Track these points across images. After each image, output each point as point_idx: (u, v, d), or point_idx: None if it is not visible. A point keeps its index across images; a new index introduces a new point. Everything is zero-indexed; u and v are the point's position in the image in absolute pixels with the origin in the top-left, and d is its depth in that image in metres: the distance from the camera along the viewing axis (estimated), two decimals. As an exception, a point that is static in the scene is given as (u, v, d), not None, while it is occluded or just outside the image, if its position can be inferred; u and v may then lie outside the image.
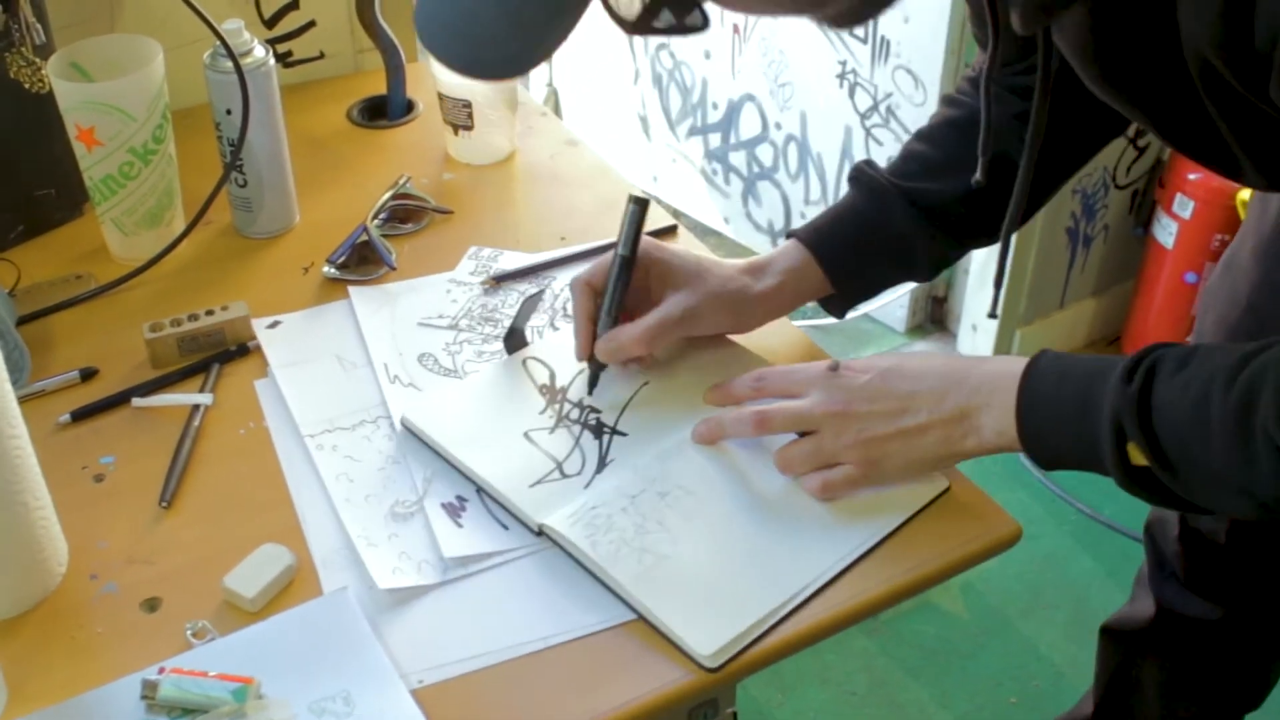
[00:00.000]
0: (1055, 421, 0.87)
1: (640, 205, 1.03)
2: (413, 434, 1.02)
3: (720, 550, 0.92)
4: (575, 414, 1.03)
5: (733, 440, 0.99)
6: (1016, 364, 0.90)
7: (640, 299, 1.04)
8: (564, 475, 0.97)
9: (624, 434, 1.01)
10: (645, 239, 1.04)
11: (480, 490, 0.97)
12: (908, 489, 0.96)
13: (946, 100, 1.13)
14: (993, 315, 1.16)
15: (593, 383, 1.03)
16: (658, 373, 1.06)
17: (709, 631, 0.86)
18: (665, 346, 1.06)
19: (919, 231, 1.07)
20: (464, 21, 0.75)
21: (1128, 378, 0.83)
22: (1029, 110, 1.01)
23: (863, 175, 1.09)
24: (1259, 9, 0.69)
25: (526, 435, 1.01)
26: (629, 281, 1.02)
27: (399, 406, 1.04)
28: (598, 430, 1.01)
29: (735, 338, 1.10)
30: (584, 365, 1.05)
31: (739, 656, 0.85)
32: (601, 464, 0.98)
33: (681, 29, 0.76)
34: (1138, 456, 0.83)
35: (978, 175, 1.02)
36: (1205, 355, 0.81)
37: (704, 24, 0.77)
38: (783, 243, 1.10)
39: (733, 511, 0.94)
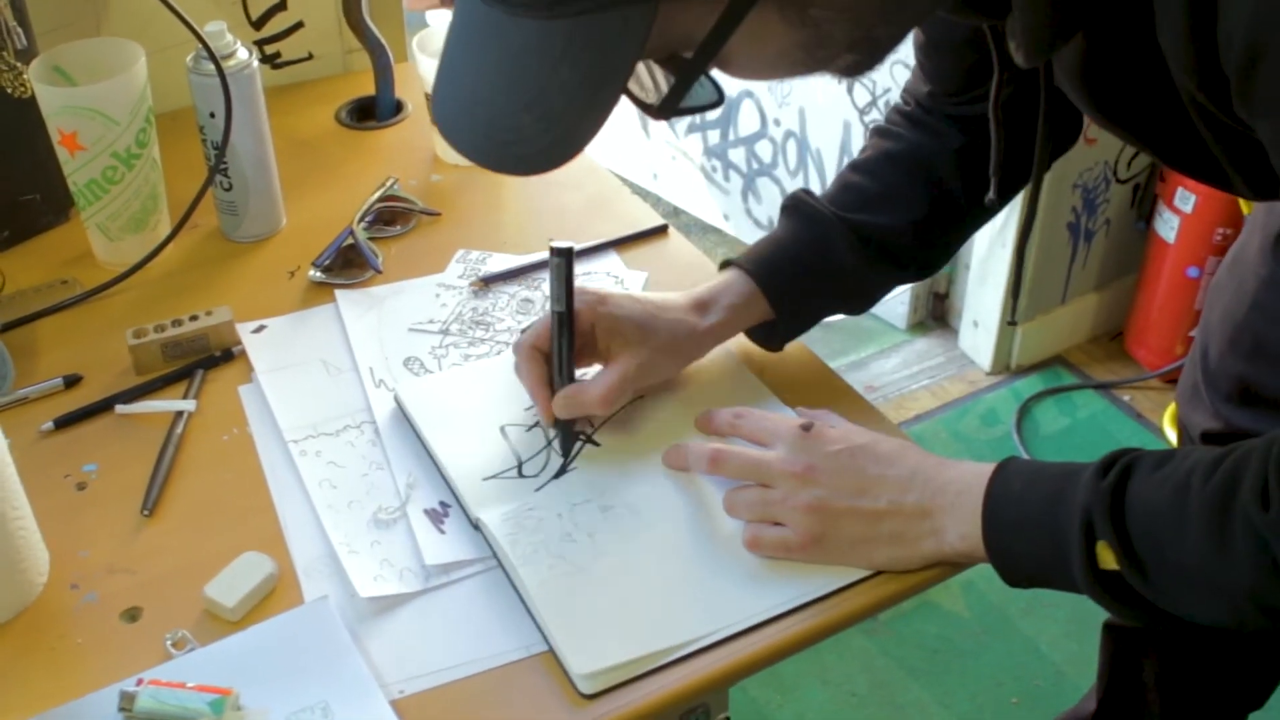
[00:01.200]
0: (1021, 523, 0.84)
1: (564, 256, 0.98)
2: (401, 412, 1.02)
3: (639, 576, 0.89)
4: None
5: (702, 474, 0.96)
6: (988, 467, 0.87)
7: (587, 351, 1.01)
8: (521, 475, 0.96)
9: (598, 444, 0.99)
10: (587, 291, 1.01)
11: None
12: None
13: (879, 132, 1.12)
14: (1011, 322, 1.14)
15: (566, 446, 0.99)
16: (653, 389, 1.04)
17: (592, 652, 0.83)
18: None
19: (862, 263, 1.06)
20: (488, 118, 0.74)
21: (1102, 473, 0.81)
22: (967, 144, 1.04)
23: (803, 205, 1.07)
24: (1220, 30, 0.67)
25: (502, 429, 1.00)
26: (574, 336, 0.99)
27: (384, 411, 1.04)
28: (569, 448, 0.99)
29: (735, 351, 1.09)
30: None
31: (620, 688, 0.82)
32: (563, 470, 0.97)
33: (703, 107, 0.78)
34: (1107, 559, 0.80)
35: (991, 194, 1.01)
36: (1185, 454, 0.80)
37: (720, 98, 0.79)
38: (723, 273, 1.07)
39: (669, 541, 0.91)
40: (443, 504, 0.95)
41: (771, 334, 1.08)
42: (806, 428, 0.93)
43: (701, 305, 1.04)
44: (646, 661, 0.83)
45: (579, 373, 1.00)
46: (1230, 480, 0.76)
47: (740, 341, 1.09)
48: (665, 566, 0.90)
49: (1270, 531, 0.73)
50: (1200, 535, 0.76)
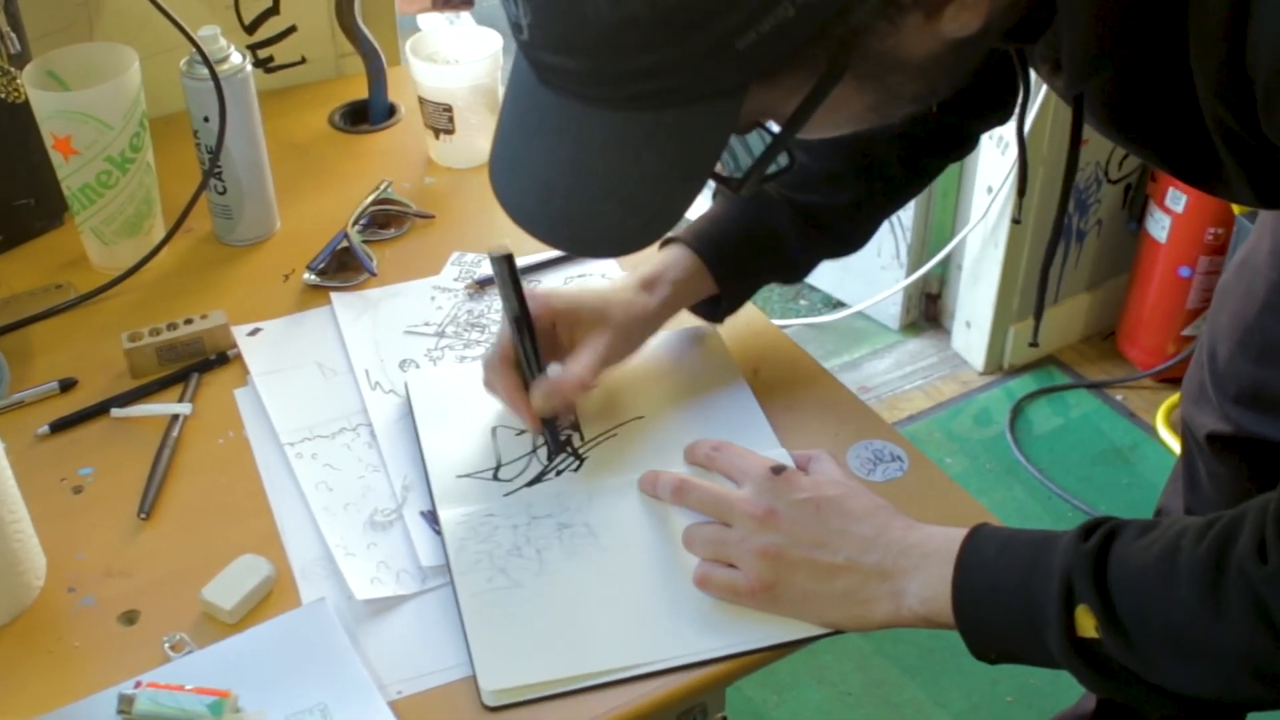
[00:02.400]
0: (994, 588, 0.80)
1: (506, 260, 0.98)
2: (407, 401, 1.04)
3: (578, 598, 0.87)
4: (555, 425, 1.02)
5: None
6: (959, 532, 0.84)
7: (552, 350, 1.01)
8: (495, 478, 0.96)
9: (583, 459, 0.99)
10: (537, 291, 1.01)
11: None
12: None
13: None
14: (1034, 344, 1.14)
15: (553, 444, 0.99)
16: (655, 410, 1.03)
17: (504, 669, 0.82)
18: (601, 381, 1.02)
19: (801, 239, 1.08)
20: (566, 207, 0.73)
21: (1083, 537, 0.78)
22: (909, 130, 1.04)
23: None
24: (1248, 54, 0.67)
25: (493, 430, 1.00)
26: (534, 334, 0.99)
27: (380, 413, 1.04)
28: (559, 447, 0.99)
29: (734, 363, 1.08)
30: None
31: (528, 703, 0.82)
32: (538, 479, 0.97)
33: (777, 174, 0.78)
34: (1086, 626, 0.76)
35: (1016, 215, 1.02)
36: (1171, 521, 0.78)
37: (793, 162, 0.79)
38: (665, 249, 1.07)
39: (617, 568, 0.90)
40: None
41: (715, 308, 1.09)
42: (778, 470, 0.90)
43: (649, 283, 1.05)
44: (557, 684, 0.82)
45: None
46: (1224, 539, 0.73)
47: (742, 352, 1.10)
48: (605, 592, 0.88)
49: (1268, 586, 0.71)
50: (1191, 596, 0.73)
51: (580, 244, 0.81)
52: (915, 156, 1.09)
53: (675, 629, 0.86)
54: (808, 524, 0.87)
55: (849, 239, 1.12)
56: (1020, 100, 0.91)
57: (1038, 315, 1.07)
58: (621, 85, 0.67)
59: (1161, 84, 0.76)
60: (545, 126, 0.72)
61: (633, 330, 1.03)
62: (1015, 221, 1.04)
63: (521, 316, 0.98)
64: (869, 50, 0.67)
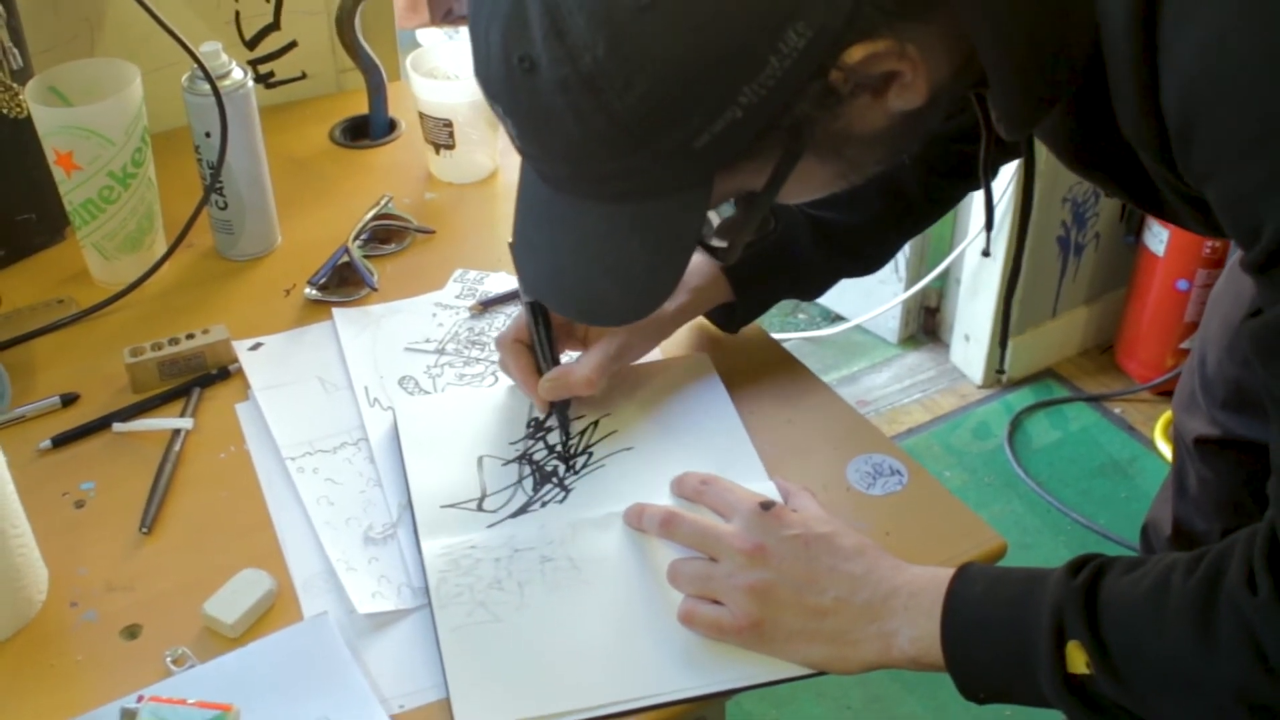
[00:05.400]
0: (983, 625, 0.81)
1: None
2: (394, 429, 1.04)
3: (559, 633, 0.86)
4: (541, 455, 1.01)
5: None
6: (946, 571, 0.84)
7: (565, 337, 1.05)
8: (480, 509, 0.96)
9: (569, 490, 0.98)
10: None
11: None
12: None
13: None
14: (1000, 371, 1.15)
15: (564, 424, 1.02)
16: (643, 441, 1.03)
17: (483, 709, 0.81)
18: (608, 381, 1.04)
19: (819, 256, 1.10)
20: (573, 285, 0.83)
21: (1072, 573, 0.79)
22: (925, 151, 1.06)
23: None
24: (1161, 108, 0.69)
25: (480, 459, 1.00)
26: (550, 323, 1.03)
27: (378, 430, 1.04)
28: (545, 478, 0.99)
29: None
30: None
31: None
32: (523, 510, 0.96)
33: (763, 236, 0.86)
34: (1077, 662, 0.77)
35: (985, 248, 1.06)
36: (1160, 556, 0.78)
37: (776, 223, 0.88)
38: None
39: (599, 603, 0.89)
40: (439, 520, 0.95)
41: (730, 317, 1.12)
42: (767, 506, 0.90)
43: None
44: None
45: (563, 359, 1.04)
46: (1214, 572, 0.74)
47: (742, 367, 1.10)
48: (586, 628, 0.87)
49: (1259, 616, 0.71)
50: (1183, 630, 0.74)
51: (587, 316, 0.93)
52: (934, 181, 1.10)
53: (657, 666, 0.85)
54: (797, 561, 0.86)
55: (865, 258, 1.14)
56: (983, 142, 0.92)
57: (1002, 343, 1.09)
58: (602, 184, 0.76)
59: (1101, 125, 0.78)
60: (550, 216, 0.81)
61: (647, 332, 1.06)
62: (984, 254, 1.07)
63: (538, 303, 1.02)
64: (820, 132, 0.74)
